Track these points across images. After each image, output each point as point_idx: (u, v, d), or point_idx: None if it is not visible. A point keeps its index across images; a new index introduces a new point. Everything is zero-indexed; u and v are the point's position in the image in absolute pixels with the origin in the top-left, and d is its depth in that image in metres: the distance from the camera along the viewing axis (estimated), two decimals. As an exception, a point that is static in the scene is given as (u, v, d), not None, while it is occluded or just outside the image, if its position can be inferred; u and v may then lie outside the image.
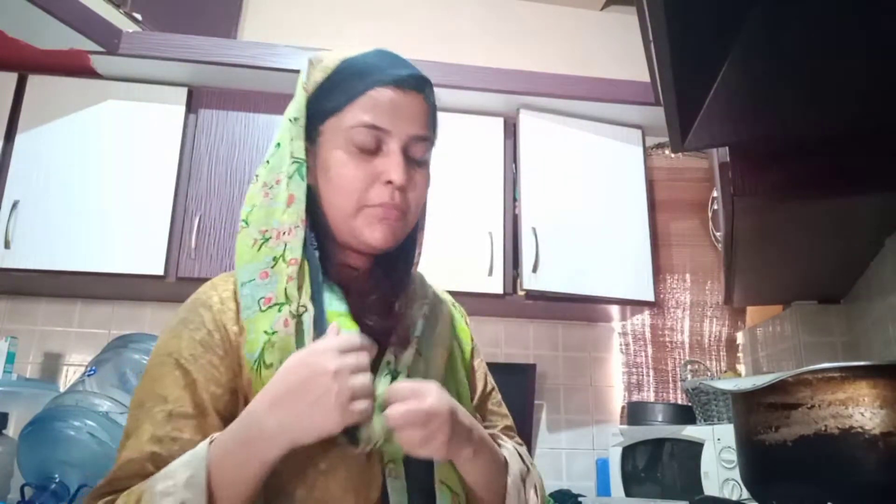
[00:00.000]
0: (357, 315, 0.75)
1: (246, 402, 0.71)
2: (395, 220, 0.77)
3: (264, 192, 0.79)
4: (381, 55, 0.80)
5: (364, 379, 0.64)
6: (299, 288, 0.73)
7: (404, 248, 0.84)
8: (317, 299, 0.73)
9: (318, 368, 0.62)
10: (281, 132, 0.80)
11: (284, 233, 0.75)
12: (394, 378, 0.73)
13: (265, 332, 0.71)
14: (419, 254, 0.89)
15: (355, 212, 0.76)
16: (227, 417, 0.70)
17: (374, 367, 0.71)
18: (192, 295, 0.79)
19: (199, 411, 0.70)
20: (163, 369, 0.72)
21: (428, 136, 0.79)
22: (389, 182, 0.75)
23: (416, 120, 0.77)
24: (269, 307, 0.72)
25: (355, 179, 0.76)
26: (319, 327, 0.72)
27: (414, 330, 0.80)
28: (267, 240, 0.76)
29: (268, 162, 0.81)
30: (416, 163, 0.79)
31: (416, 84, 0.78)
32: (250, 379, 0.72)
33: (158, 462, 0.66)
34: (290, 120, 0.79)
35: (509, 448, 0.84)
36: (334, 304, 0.74)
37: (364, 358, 0.65)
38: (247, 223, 0.79)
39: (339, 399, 0.62)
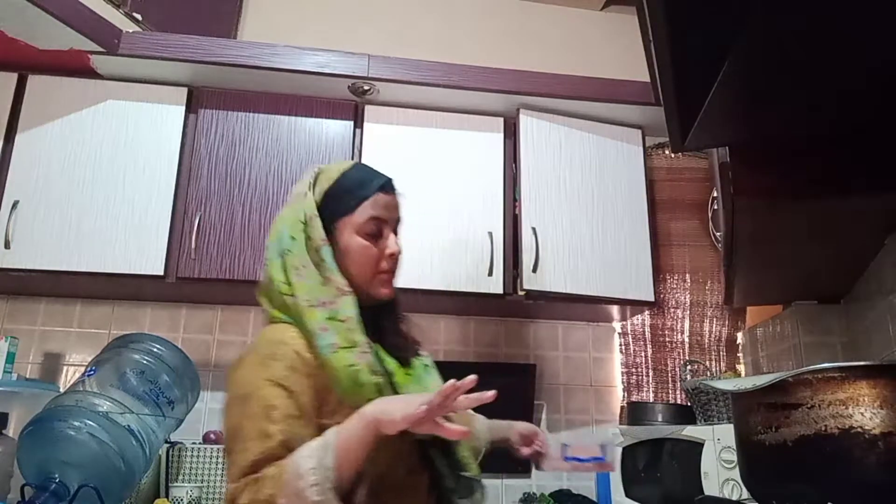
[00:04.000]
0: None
1: (322, 407, 1.01)
2: (393, 279, 1.16)
3: (297, 275, 1.06)
4: (364, 168, 1.17)
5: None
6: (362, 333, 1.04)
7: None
8: (369, 340, 1.05)
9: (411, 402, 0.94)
10: (292, 226, 1.09)
11: (330, 302, 1.04)
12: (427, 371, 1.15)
13: (348, 365, 1.00)
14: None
15: (372, 278, 1.11)
16: (313, 416, 1.00)
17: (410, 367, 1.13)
18: (262, 339, 1.05)
19: (300, 413, 0.97)
20: (265, 390, 0.97)
21: (402, 218, 1.18)
22: (391, 255, 1.13)
23: (397, 210, 1.16)
24: (339, 349, 1.01)
25: (371, 256, 1.11)
26: (378, 357, 1.05)
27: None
28: (314, 306, 1.04)
29: (289, 251, 1.08)
30: (397, 236, 1.16)
31: (395, 187, 1.16)
32: (342, 394, 1.01)
33: (287, 448, 0.92)
34: (303, 220, 1.08)
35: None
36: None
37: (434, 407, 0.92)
38: (284, 292, 1.06)
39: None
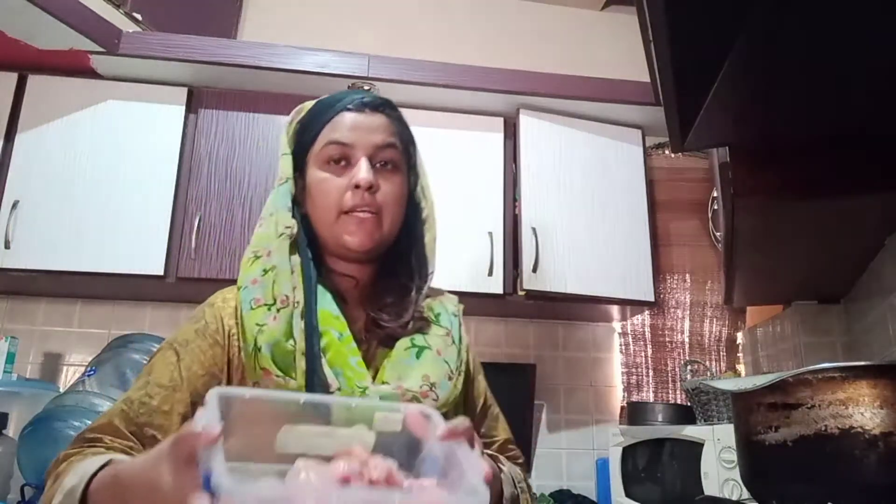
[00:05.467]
0: (352, 318, 0.88)
1: (230, 382, 0.84)
2: (371, 223, 0.89)
3: (259, 224, 0.92)
4: (345, 92, 0.95)
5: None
6: (293, 289, 0.85)
7: (402, 258, 0.95)
8: (308, 298, 0.85)
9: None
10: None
11: (272, 252, 0.88)
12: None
13: (256, 324, 0.82)
14: (428, 266, 0.97)
15: (335, 219, 0.89)
16: (202, 395, 0.68)
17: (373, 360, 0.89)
18: None
19: (171, 385, 0.82)
20: (159, 354, 0.86)
21: (393, 143, 0.92)
22: (357, 186, 0.87)
23: (377, 131, 0.91)
24: (259, 306, 0.84)
25: (331, 189, 0.89)
26: (308, 320, 0.84)
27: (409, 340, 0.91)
28: (259, 257, 0.88)
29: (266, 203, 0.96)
30: (386, 167, 0.92)
31: (374, 104, 0.93)
32: (244, 364, 0.83)
33: (126, 420, 0.79)
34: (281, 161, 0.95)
35: (505, 472, 0.89)
36: (325, 304, 0.87)
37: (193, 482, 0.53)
38: (250, 248, 0.92)
39: None
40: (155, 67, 2.08)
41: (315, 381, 0.80)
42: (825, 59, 0.86)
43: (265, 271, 0.86)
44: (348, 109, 0.91)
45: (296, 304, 0.84)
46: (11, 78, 2.04)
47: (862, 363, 1.04)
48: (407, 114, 2.33)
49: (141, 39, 2.06)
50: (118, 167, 2.04)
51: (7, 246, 1.90)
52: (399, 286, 0.94)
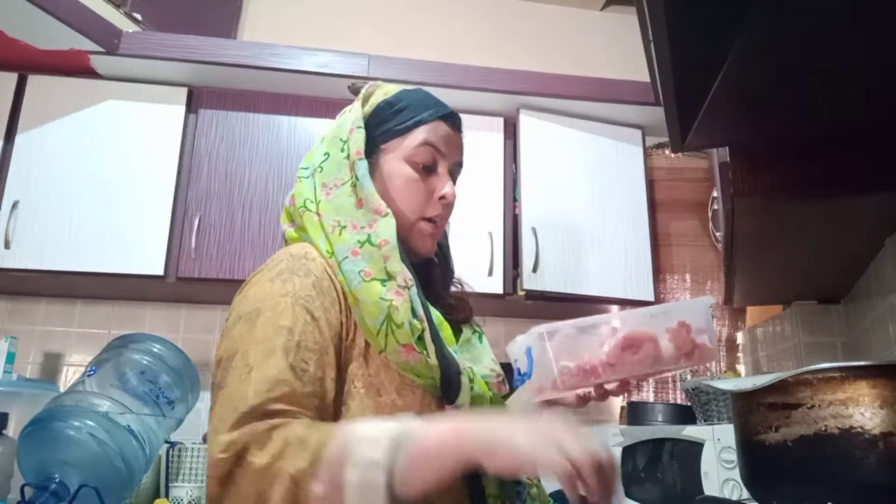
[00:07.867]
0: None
1: (339, 354, 0.80)
2: (438, 234, 0.97)
3: (325, 192, 0.90)
4: (429, 93, 0.99)
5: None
6: (402, 268, 0.85)
7: (438, 259, 1.05)
8: (414, 279, 0.86)
9: (553, 439, 0.64)
10: (330, 143, 0.95)
11: (362, 227, 0.86)
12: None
13: (381, 298, 0.81)
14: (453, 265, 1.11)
15: (414, 222, 0.93)
16: (335, 359, 0.79)
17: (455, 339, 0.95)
18: (280, 254, 0.86)
19: (321, 347, 0.77)
20: (281, 307, 0.77)
21: (462, 164, 1.02)
22: (442, 197, 0.94)
23: (460, 150, 1.00)
24: (372, 280, 0.83)
25: (420, 192, 0.93)
26: (422, 301, 0.86)
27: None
28: (344, 227, 0.86)
29: (321, 168, 0.93)
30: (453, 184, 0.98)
31: (460, 122, 1.00)
32: (369, 336, 0.82)
33: (296, 388, 0.72)
34: (344, 137, 0.93)
35: None
36: None
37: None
38: (309, 209, 0.89)
39: (545, 455, 0.64)
40: (155, 67, 2.08)
41: (448, 360, 0.84)
42: (824, 58, 0.86)
43: (361, 243, 0.85)
44: (447, 121, 0.96)
45: (411, 284, 0.85)
46: (11, 78, 2.04)
47: (862, 363, 1.04)
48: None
49: (141, 39, 2.06)
50: (118, 167, 2.04)
51: (7, 246, 1.91)
52: (450, 275, 1.07)
